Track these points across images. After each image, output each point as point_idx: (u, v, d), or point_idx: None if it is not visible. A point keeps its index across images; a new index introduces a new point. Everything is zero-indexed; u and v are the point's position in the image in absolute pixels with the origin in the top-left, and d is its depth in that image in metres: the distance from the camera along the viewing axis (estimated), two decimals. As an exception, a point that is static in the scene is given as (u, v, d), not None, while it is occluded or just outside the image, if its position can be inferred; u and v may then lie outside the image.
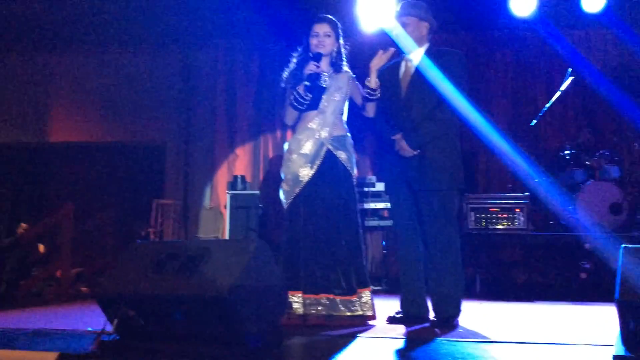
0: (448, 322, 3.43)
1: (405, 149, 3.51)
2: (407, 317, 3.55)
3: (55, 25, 7.29)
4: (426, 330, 3.34)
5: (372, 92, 3.62)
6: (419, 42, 3.62)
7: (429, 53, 3.61)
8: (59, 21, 7.18)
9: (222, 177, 7.53)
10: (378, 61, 3.56)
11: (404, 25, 3.61)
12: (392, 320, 3.56)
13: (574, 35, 6.82)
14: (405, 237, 3.62)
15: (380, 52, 3.56)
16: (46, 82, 8.11)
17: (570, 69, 6.07)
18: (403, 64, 3.68)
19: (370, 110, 3.73)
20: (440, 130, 3.51)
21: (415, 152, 3.50)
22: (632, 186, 6.00)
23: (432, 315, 3.54)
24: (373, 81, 3.59)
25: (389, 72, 3.68)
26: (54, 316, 4.21)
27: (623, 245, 2.50)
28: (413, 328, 3.40)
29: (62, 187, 8.11)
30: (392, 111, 3.64)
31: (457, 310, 3.50)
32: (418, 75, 3.57)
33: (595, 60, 6.69)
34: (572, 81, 6.02)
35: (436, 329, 3.33)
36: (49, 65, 8.11)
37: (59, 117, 8.13)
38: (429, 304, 3.59)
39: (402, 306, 3.62)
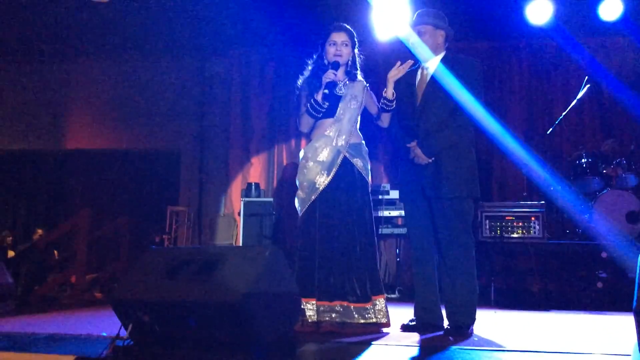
0: (462, 330, 3.41)
1: (420, 156, 3.50)
2: (421, 325, 3.54)
3: (72, 34, 7.39)
4: (440, 338, 3.32)
5: (389, 103, 3.63)
6: (435, 50, 3.63)
7: (445, 61, 3.61)
8: (76, 30, 7.27)
9: (236, 184, 7.57)
10: (396, 72, 3.57)
11: (420, 33, 3.62)
12: (405, 328, 3.55)
13: (591, 43, 6.79)
14: (419, 245, 3.61)
15: (398, 63, 3.57)
16: (63, 90, 8.21)
17: (587, 77, 6.03)
18: (419, 72, 3.68)
19: (385, 120, 3.74)
20: (455, 138, 3.50)
21: (429, 160, 3.50)
22: (649, 195, 5.94)
23: (446, 323, 3.52)
24: (390, 92, 3.60)
25: (405, 80, 3.68)
26: (69, 321, 4.24)
27: (641, 254, 2.47)
28: (427, 336, 3.38)
29: (78, 194, 8.19)
30: (408, 118, 3.64)
31: (471, 319, 3.48)
32: (434, 83, 3.57)
33: (612, 68, 6.66)
34: (589, 89, 5.98)
35: (450, 337, 3.31)
36: (66, 73, 8.22)
37: (75, 124, 8.22)
38: (444, 312, 3.57)
39: (416, 314, 3.61)
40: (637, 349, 2.35)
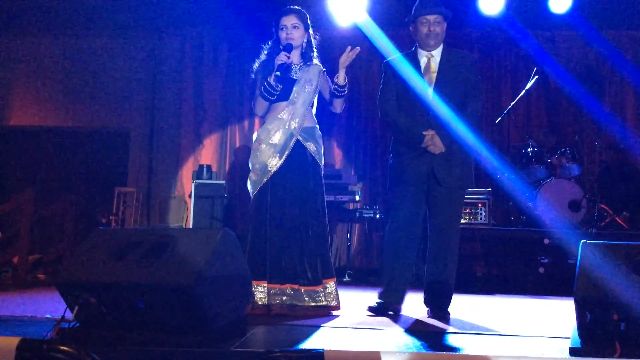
0: (444, 312, 3.54)
1: (437, 144, 3.51)
2: (387, 306, 3.58)
3: (18, 7, 7.09)
4: (389, 320, 3.38)
5: (340, 89, 3.65)
6: (441, 40, 3.66)
7: (448, 53, 3.67)
8: (22, 3, 6.98)
9: (187, 166, 7.46)
10: (346, 58, 3.59)
11: (435, 23, 3.61)
12: (372, 309, 3.58)
13: (540, 35, 6.94)
14: (407, 231, 3.61)
15: (349, 48, 3.59)
16: (7, 65, 7.89)
17: (535, 68, 6.18)
18: (424, 60, 3.67)
19: (338, 106, 3.76)
20: (464, 130, 3.56)
21: (443, 149, 3.53)
22: (591, 184, 6.16)
23: (405, 305, 3.64)
24: (341, 78, 3.62)
25: (407, 66, 3.66)
26: (11, 302, 4.12)
27: (582, 241, 2.57)
28: (380, 318, 3.44)
29: (22, 172, 7.92)
30: (419, 107, 3.59)
31: (450, 301, 3.63)
32: (444, 76, 3.60)
33: (560, 60, 6.83)
34: (537, 80, 6.14)
35: (438, 320, 3.42)
36: (11, 47, 7.89)
37: (20, 100, 7.92)
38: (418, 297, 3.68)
39: (383, 296, 3.62)
40: (576, 332, 2.45)
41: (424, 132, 3.52)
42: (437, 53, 3.66)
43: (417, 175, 3.60)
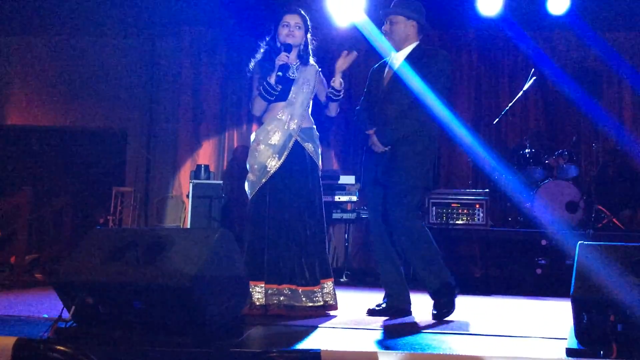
0: (441, 310, 3.45)
1: (376, 144, 3.53)
2: (389, 308, 3.57)
3: (17, 8, 7.09)
4: (387, 320, 3.38)
5: (336, 93, 3.65)
6: (405, 41, 3.62)
7: (415, 51, 3.62)
8: (20, 3, 6.98)
9: (185, 166, 7.46)
10: (342, 62, 3.60)
11: (392, 23, 3.61)
12: (372, 312, 3.57)
13: (538, 36, 6.96)
14: (378, 230, 3.63)
15: (345, 52, 3.59)
16: (5, 64, 7.88)
17: (533, 69, 6.19)
18: (391, 60, 3.68)
19: (333, 109, 3.77)
20: (413, 129, 3.51)
21: (385, 148, 3.52)
22: (588, 185, 6.17)
23: (414, 307, 3.62)
24: (337, 81, 3.63)
25: (379, 70, 3.71)
26: (8, 302, 4.11)
27: (580, 242, 2.57)
28: (378, 318, 3.45)
29: (19, 172, 7.91)
30: (371, 106, 3.65)
31: (445, 294, 3.51)
32: (400, 72, 3.57)
33: (558, 61, 6.84)
34: (535, 81, 6.15)
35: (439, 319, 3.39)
36: (8, 47, 7.89)
37: (18, 100, 7.92)
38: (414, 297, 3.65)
39: (385, 298, 3.63)
40: (573, 333, 2.45)
41: (366, 131, 3.55)
42: (402, 54, 3.62)
43: (370, 175, 3.63)
